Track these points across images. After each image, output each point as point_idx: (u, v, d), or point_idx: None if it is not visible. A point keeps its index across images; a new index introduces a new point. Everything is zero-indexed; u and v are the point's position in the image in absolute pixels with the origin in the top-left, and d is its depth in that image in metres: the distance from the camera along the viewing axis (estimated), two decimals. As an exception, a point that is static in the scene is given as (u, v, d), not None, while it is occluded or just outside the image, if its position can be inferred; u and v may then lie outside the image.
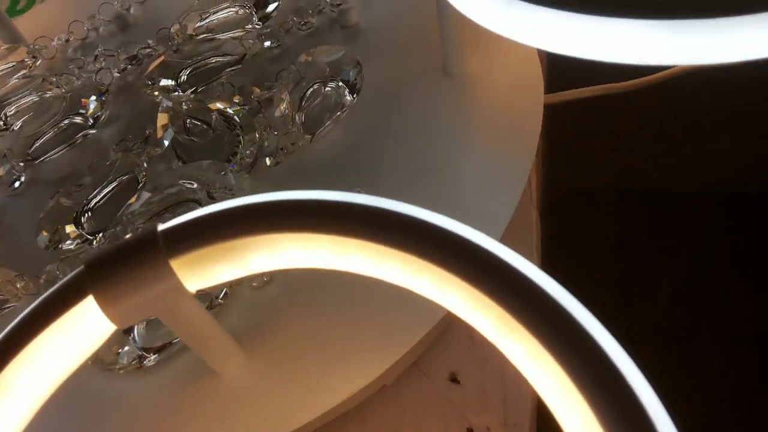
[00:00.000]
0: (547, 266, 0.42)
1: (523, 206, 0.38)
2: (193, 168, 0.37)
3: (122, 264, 0.24)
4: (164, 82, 0.42)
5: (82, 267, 0.24)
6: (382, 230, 0.23)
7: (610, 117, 0.60)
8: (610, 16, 0.28)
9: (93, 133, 0.44)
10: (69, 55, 0.50)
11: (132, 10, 0.51)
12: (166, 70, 0.43)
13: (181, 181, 0.37)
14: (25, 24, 0.53)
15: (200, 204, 0.36)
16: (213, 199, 0.36)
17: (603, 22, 0.28)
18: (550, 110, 0.44)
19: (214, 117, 0.39)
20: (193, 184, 0.36)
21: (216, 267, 0.25)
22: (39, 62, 0.49)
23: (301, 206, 0.24)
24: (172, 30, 0.46)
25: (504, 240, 0.37)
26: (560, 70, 0.46)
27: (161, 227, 0.25)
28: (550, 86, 0.44)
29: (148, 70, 0.43)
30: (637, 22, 0.28)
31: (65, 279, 0.25)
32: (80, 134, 0.44)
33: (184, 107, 0.40)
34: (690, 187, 0.80)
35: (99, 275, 0.24)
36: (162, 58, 0.43)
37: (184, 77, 0.44)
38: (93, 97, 0.44)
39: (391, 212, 0.23)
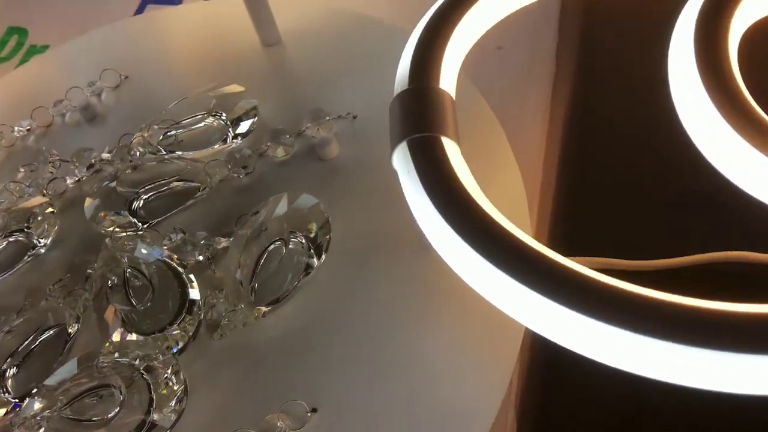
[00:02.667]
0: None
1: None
2: (130, 344, 0.33)
3: None
4: (114, 216, 0.38)
5: None
6: None
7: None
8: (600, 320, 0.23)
9: (40, 255, 0.40)
10: (30, 144, 0.46)
11: (103, 97, 0.47)
12: (117, 200, 0.39)
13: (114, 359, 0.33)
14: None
15: (121, 393, 0.32)
16: (132, 381, 0.32)
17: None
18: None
19: (150, 274, 0.35)
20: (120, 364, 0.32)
21: None
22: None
23: None
24: (133, 141, 0.41)
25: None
26: (561, 238, 0.40)
27: None
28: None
29: (97, 200, 0.39)
30: (628, 334, 0.23)
31: None
32: (24, 258, 0.40)
33: (126, 252, 0.36)
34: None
35: None
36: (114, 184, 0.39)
37: (140, 203, 0.39)
38: (42, 213, 0.40)
39: None
